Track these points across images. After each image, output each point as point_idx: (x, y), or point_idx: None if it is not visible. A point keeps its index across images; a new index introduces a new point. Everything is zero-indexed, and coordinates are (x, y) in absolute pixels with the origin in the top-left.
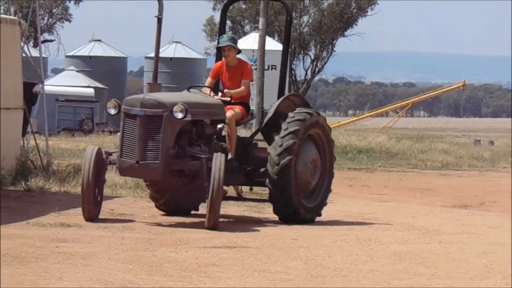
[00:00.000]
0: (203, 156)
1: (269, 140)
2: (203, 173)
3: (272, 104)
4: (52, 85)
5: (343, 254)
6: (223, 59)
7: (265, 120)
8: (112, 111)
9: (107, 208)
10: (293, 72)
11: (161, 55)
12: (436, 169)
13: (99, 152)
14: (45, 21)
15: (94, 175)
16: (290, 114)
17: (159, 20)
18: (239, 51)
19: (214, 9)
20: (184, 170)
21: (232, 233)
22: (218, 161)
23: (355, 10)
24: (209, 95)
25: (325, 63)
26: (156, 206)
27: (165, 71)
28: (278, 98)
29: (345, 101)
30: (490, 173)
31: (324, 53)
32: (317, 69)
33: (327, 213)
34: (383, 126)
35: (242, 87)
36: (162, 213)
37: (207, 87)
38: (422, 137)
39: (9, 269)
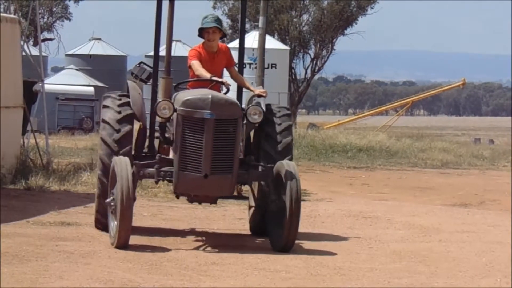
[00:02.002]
0: (268, 165)
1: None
2: (270, 185)
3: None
4: (52, 83)
5: (343, 253)
6: (203, 42)
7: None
8: (167, 113)
9: None
10: (293, 70)
11: (160, 53)
12: (436, 168)
13: (129, 163)
14: (45, 20)
15: (133, 195)
16: (275, 108)
17: (171, 2)
18: (224, 35)
19: (214, 7)
20: (245, 182)
21: (232, 231)
22: (292, 169)
23: (355, 9)
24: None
25: (325, 61)
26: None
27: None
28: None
29: (345, 99)
30: (490, 172)
31: (324, 52)
32: (317, 67)
33: (327, 211)
34: (383, 125)
35: (245, 79)
36: (162, 211)
37: (210, 79)
38: (422, 136)
39: (9, 268)
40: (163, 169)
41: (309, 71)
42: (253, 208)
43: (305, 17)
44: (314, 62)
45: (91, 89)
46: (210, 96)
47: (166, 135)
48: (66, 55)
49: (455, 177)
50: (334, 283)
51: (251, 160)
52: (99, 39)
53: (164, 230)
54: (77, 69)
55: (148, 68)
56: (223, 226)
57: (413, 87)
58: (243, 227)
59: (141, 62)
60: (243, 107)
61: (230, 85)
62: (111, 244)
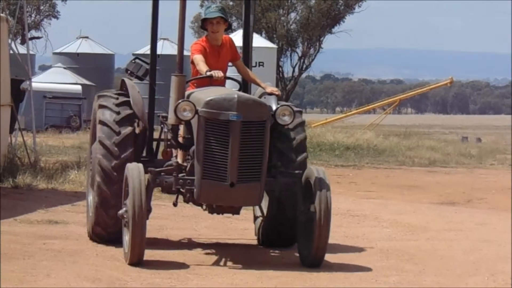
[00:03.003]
0: (296, 171)
1: None
2: (298, 193)
3: None
4: (40, 82)
5: (330, 251)
6: (207, 35)
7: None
8: (189, 115)
9: None
10: (280, 69)
11: (148, 51)
12: (424, 166)
13: (143, 170)
14: (32, 18)
15: (147, 206)
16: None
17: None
18: (229, 26)
19: (201, 6)
20: (273, 191)
21: (220, 230)
22: (322, 175)
23: (342, 7)
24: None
25: (313, 60)
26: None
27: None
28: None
29: (332, 98)
30: (478, 170)
31: (312, 50)
32: (304, 66)
33: None
34: (371, 123)
35: (253, 74)
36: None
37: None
38: (409, 134)
39: None
40: (183, 176)
41: (296, 69)
42: (260, 218)
43: (292, 15)
44: (302, 60)
45: (79, 87)
46: (235, 96)
47: (179, 139)
48: (54, 53)
49: (442, 175)
50: (321, 281)
51: (278, 166)
52: (87, 37)
53: (152, 229)
54: (64, 68)
55: (144, 64)
56: (211, 225)
57: (401, 85)
58: (231, 225)
59: (136, 58)
60: None
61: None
62: (124, 260)
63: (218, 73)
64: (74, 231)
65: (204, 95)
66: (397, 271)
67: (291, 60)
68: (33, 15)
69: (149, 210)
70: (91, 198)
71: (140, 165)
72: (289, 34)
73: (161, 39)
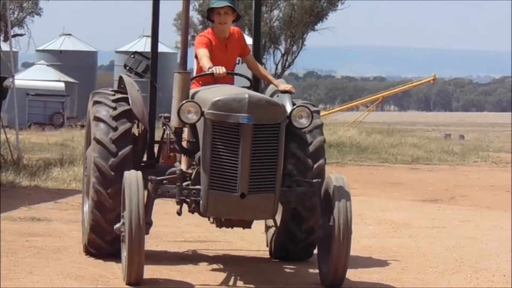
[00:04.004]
0: (314, 180)
1: None
2: (316, 205)
3: None
4: (23, 79)
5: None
6: (213, 26)
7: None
8: (194, 118)
9: (77, 202)
10: (263, 66)
11: (131, 48)
12: (407, 163)
13: (142, 180)
14: (15, 15)
15: (144, 213)
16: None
17: None
18: (238, 17)
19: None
20: (289, 202)
21: (203, 227)
22: (341, 184)
23: (325, 4)
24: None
25: (296, 57)
26: None
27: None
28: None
29: (315, 95)
30: (461, 167)
31: (295, 47)
32: (287, 63)
33: None
34: (354, 120)
35: (264, 70)
36: None
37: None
38: (392, 131)
39: None
40: (187, 186)
41: (279, 66)
42: (273, 229)
43: (275, 12)
44: (285, 57)
45: (62, 84)
46: (246, 96)
47: (183, 143)
48: (37, 50)
49: (425, 172)
50: (304, 278)
51: (294, 174)
52: (69, 34)
53: None
54: (47, 65)
55: (144, 60)
56: (194, 222)
57: (384, 83)
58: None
59: (136, 52)
60: None
61: (251, 80)
62: (123, 279)
63: (220, 69)
64: (57, 228)
65: (211, 94)
66: (380, 268)
67: (274, 57)
68: (16, 12)
69: (149, 223)
70: (86, 206)
71: (139, 173)
72: (272, 31)
73: (143, 36)
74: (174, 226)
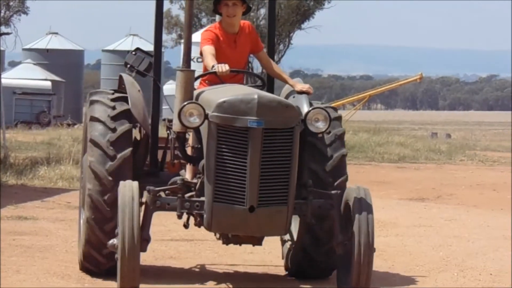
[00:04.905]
0: (333, 192)
1: None
2: (335, 219)
3: None
4: (9, 78)
5: None
6: (221, 20)
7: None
8: (196, 121)
9: (64, 201)
10: (250, 65)
11: (117, 47)
12: (393, 162)
13: (137, 191)
14: (2, 14)
15: (139, 229)
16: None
17: None
18: (248, 9)
19: (171, 1)
20: (304, 216)
21: (191, 227)
22: (363, 196)
23: (311, 3)
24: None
25: (282, 56)
26: None
27: (122, 64)
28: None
29: None
30: (447, 166)
31: (281, 46)
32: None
33: None
34: None
35: (279, 68)
36: None
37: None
38: (379, 130)
39: None
40: (189, 198)
41: None
42: (289, 243)
43: (262, 11)
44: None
45: (48, 83)
46: (255, 96)
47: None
48: (23, 49)
49: (412, 171)
50: (291, 277)
51: (309, 185)
52: (56, 33)
53: None
54: (34, 64)
55: (147, 57)
56: (180, 221)
57: (370, 81)
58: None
59: (138, 49)
60: None
61: (265, 81)
62: None
63: (222, 67)
64: (43, 227)
65: (216, 95)
66: None
67: None
68: (2, 11)
69: (147, 240)
70: (82, 218)
71: (135, 184)
72: (258, 30)
73: (130, 35)
74: (161, 224)
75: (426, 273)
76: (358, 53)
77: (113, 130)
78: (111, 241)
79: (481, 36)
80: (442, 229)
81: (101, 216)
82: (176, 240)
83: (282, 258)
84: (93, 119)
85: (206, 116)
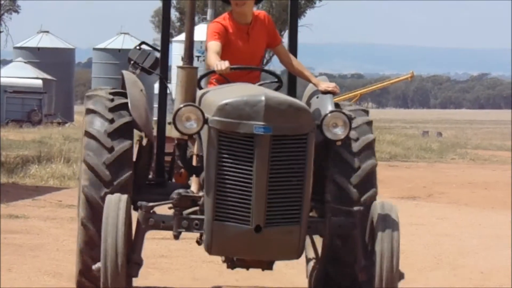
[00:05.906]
0: (355, 208)
1: None
2: (357, 241)
3: None
4: (0, 76)
5: None
6: (230, 10)
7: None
8: (194, 127)
9: (55, 200)
10: (265, 60)
11: (108, 46)
12: (385, 161)
13: (129, 207)
14: None
15: (127, 250)
16: (346, 110)
17: None
18: None
19: None
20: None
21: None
22: (388, 213)
23: (303, 1)
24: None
25: (273, 54)
26: None
27: (113, 63)
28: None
29: None
30: (438, 165)
31: None
32: (265, 60)
33: None
34: None
35: (301, 65)
36: None
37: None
38: None
39: None
40: (188, 215)
41: None
42: (313, 262)
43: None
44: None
45: (39, 81)
46: (263, 98)
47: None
48: (14, 47)
49: (403, 169)
50: (282, 275)
51: (328, 200)
52: (47, 32)
53: None
54: (25, 62)
55: (153, 52)
56: None
57: (362, 80)
58: None
59: (143, 42)
60: None
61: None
62: None
63: (220, 65)
64: (35, 226)
65: (218, 96)
66: None
67: None
68: None
69: (138, 264)
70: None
71: (123, 197)
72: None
73: (121, 33)
74: None
75: (418, 271)
76: (349, 51)
77: (110, 149)
78: (96, 265)
79: (472, 35)
80: (433, 228)
81: (94, 246)
82: (167, 239)
83: (306, 277)
84: (88, 134)
85: (205, 121)
